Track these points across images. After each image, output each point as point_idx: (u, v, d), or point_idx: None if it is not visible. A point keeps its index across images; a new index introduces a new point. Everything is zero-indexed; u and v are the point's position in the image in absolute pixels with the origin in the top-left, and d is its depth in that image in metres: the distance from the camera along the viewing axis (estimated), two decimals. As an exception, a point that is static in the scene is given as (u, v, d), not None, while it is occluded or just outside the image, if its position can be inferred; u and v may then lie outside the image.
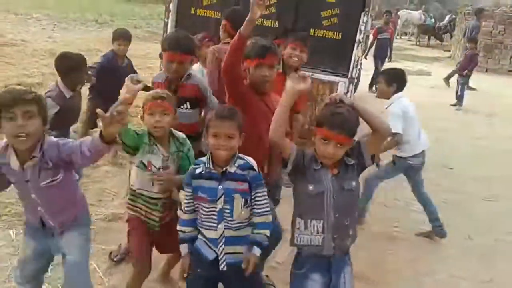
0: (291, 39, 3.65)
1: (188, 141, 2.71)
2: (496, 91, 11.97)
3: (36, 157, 2.12)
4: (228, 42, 2.93)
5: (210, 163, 2.29)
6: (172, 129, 2.65)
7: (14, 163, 2.13)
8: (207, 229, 2.31)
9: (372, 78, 10.42)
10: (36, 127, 2.07)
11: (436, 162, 6.35)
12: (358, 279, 3.43)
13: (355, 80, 5.22)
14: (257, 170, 2.30)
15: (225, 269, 2.29)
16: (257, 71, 2.65)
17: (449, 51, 19.52)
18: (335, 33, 4.85)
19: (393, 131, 3.56)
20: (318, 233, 2.24)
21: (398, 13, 22.68)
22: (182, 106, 3.02)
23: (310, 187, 2.23)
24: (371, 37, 11.10)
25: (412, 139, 4.02)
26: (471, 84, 12.09)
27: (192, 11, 5.00)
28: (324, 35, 4.87)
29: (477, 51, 11.00)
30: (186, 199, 2.36)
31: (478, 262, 3.96)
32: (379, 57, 10.77)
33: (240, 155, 2.31)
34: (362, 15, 4.65)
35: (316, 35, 4.86)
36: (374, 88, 10.14)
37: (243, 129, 2.34)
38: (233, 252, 2.31)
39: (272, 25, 4.91)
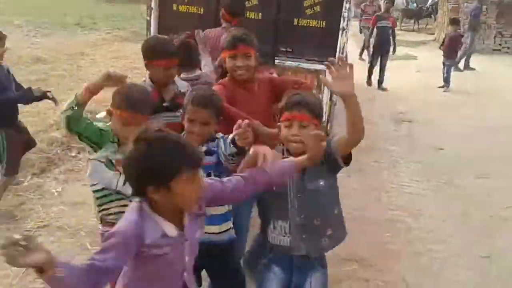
0: None
1: None
2: (482, 71, 12.05)
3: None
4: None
5: None
6: None
7: (171, 230, 1.60)
8: None
9: (369, 73, 10.10)
10: None
11: (427, 143, 6.40)
12: (355, 262, 3.49)
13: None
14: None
15: None
16: (231, 62, 2.65)
17: (433, 34, 19.60)
18: (319, 21, 4.83)
19: None
20: (285, 234, 2.15)
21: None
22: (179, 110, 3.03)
23: (273, 187, 2.05)
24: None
25: None
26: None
27: (174, 8, 4.95)
28: (307, 24, 4.86)
29: (462, 32, 11.04)
30: None
31: (475, 239, 4.00)
32: (380, 50, 9.91)
33: (215, 135, 2.28)
34: (344, 2, 4.64)
35: (300, 24, 4.86)
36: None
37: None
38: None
39: (255, 17, 4.89)
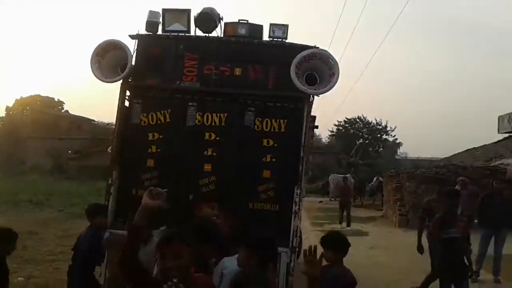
0: None
1: None
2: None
3: None
4: None
5: None
6: None
7: None
8: None
9: None
10: None
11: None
12: None
13: (296, 249, 5.32)
14: None
15: None
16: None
17: (382, 210, 20.60)
18: (273, 205, 5.07)
19: None
20: None
21: (330, 177, 24.35)
22: None
23: None
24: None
25: None
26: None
27: (134, 193, 5.05)
28: (262, 207, 5.06)
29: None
30: None
31: None
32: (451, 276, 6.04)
33: None
34: (295, 189, 4.95)
35: (254, 208, 5.05)
36: None
37: None
38: None
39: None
